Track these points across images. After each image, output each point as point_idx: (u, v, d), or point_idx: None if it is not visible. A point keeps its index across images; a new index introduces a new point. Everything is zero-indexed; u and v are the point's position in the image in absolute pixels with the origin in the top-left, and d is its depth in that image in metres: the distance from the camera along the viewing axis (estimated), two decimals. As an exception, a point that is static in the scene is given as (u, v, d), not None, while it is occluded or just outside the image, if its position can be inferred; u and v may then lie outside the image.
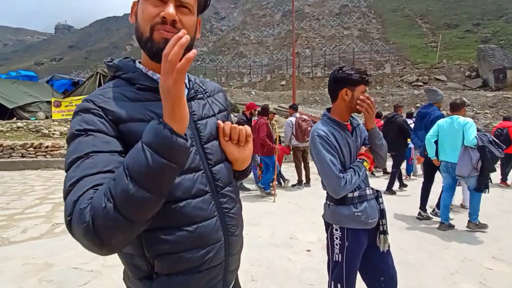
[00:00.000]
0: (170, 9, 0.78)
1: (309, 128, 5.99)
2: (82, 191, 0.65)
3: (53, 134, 10.85)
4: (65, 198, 0.67)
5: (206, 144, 0.88)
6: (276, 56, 38.08)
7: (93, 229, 0.61)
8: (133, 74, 0.86)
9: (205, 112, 0.92)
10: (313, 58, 34.51)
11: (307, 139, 6.08)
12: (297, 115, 6.45)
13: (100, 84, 13.88)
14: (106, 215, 0.62)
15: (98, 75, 14.16)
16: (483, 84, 24.21)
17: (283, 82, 31.41)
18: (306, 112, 15.09)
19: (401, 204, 5.33)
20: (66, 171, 0.71)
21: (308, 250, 3.37)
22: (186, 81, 0.94)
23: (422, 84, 26.32)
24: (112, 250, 0.67)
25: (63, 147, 9.54)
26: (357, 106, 1.71)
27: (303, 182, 6.62)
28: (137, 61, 0.92)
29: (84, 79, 16.44)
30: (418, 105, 21.45)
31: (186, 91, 0.91)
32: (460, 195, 5.21)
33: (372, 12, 49.25)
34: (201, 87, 0.98)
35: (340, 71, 1.73)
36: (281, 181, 6.60)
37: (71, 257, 3.19)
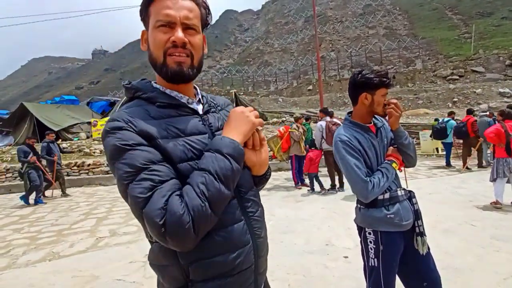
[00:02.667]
0: (179, 33, 0.86)
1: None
2: (164, 199, 0.74)
3: (94, 152, 11.57)
4: (142, 207, 0.74)
5: None
6: (301, 62, 37.95)
7: (193, 228, 0.74)
8: (152, 93, 0.92)
9: (221, 123, 0.98)
10: (339, 61, 33.98)
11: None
12: (328, 118, 6.37)
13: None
14: (204, 213, 0.75)
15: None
16: (528, 72, 22.37)
17: (310, 87, 31.12)
18: (335, 115, 14.80)
19: (444, 204, 5.03)
20: (126, 185, 0.77)
21: (346, 257, 3.26)
22: (200, 96, 1.01)
23: (457, 77, 24.87)
24: (196, 242, 0.78)
25: (103, 164, 10.12)
26: (387, 109, 1.67)
27: (336, 186, 6.48)
28: (152, 82, 0.98)
29: (120, 99, 17.50)
30: (455, 99, 20.26)
31: (201, 106, 0.99)
32: (510, 192, 4.82)
33: (397, 8, 47.72)
34: (213, 102, 1.05)
35: (360, 76, 1.69)
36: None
37: (114, 269, 3.36)
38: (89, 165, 10.16)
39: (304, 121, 7.42)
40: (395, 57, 32.21)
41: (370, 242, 1.69)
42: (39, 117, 14.28)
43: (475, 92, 20.19)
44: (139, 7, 0.93)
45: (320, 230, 4.19)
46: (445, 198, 5.50)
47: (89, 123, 14.73)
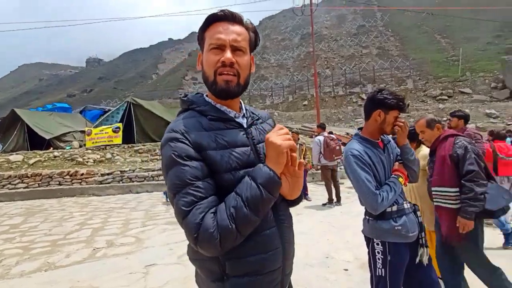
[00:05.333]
0: (228, 54, 0.98)
1: (337, 147, 6.00)
2: (201, 216, 0.87)
3: (87, 162, 11.41)
4: (183, 217, 0.88)
5: None
6: (297, 78, 38.60)
7: (220, 243, 0.86)
8: (205, 107, 1.04)
9: (262, 137, 1.08)
10: (333, 78, 34.70)
11: (335, 158, 6.09)
12: (325, 133, 6.50)
13: (130, 112, 14.48)
14: (230, 233, 0.87)
15: (128, 104, 14.89)
16: (511, 95, 23.31)
17: (305, 102, 31.60)
18: (328, 130, 15.02)
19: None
20: (174, 194, 0.91)
21: (346, 270, 3.31)
22: (244, 111, 1.12)
23: (446, 98, 25.70)
24: (222, 252, 0.90)
25: (97, 174, 10.01)
26: (395, 125, 1.79)
27: (334, 201, 6.55)
28: (205, 95, 1.09)
29: (113, 108, 17.38)
30: (444, 119, 20.83)
31: (245, 120, 1.08)
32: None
33: (390, 30, 49.31)
34: (255, 115, 1.16)
35: (379, 93, 1.82)
36: None
37: (113, 280, 3.32)
38: (82, 174, 9.99)
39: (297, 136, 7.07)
40: (387, 76, 33.10)
41: (378, 252, 1.76)
42: (30, 124, 13.99)
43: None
44: (197, 33, 1.07)
45: (320, 243, 4.23)
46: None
47: (83, 131, 14.53)
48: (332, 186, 6.52)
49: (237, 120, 1.05)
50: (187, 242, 0.95)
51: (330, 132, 7.46)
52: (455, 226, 2.21)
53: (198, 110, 1.03)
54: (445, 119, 20.68)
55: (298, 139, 7.10)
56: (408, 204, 1.83)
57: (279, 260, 1.02)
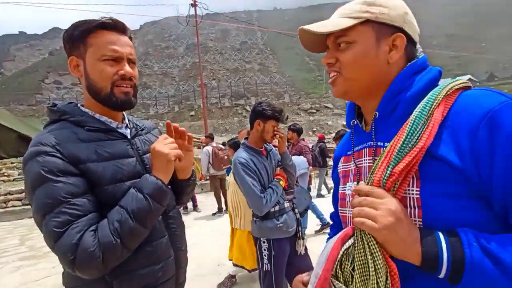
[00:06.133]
0: (127, 67, 0.96)
1: (225, 157, 6.22)
2: (79, 235, 0.79)
3: None
4: (56, 240, 0.78)
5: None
6: (183, 87, 38.10)
7: (103, 261, 0.80)
8: (81, 117, 0.95)
9: (147, 147, 1.05)
10: (219, 89, 35.86)
11: (223, 167, 6.30)
12: (213, 144, 6.64)
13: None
14: (115, 249, 0.81)
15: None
16: (360, 110, 29.59)
17: (192, 113, 31.51)
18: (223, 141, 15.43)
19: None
20: (43, 215, 0.79)
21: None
22: (127, 121, 1.07)
23: (315, 111, 30.33)
24: (105, 272, 0.84)
25: None
26: (276, 137, 2.02)
27: (223, 209, 6.71)
28: (79, 105, 1.00)
29: None
30: (314, 129, 24.49)
31: (128, 131, 1.04)
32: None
33: (268, 49, 54.76)
34: (139, 125, 1.11)
35: (259, 105, 2.03)
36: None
37: None
38: None
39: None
40: (268, 90, 36.53)
41: (264, 249, 1.95)
42: None
43: (327, 123, 25.01)
44: (69, 32, 0.93)
45: (211, 252, 4.29)
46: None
47: None
48: (221, 195, 6.67)
49: (119, 130, 1.01)
50: (52, 277, 0.85)
51: (224, 143, 7.66)
52: None
53: (73, 121, 0.94)
54: (314, 129, 24.41)
55: None
56: (287, 203, 2.10)
57: (172, 269, 1.01)
